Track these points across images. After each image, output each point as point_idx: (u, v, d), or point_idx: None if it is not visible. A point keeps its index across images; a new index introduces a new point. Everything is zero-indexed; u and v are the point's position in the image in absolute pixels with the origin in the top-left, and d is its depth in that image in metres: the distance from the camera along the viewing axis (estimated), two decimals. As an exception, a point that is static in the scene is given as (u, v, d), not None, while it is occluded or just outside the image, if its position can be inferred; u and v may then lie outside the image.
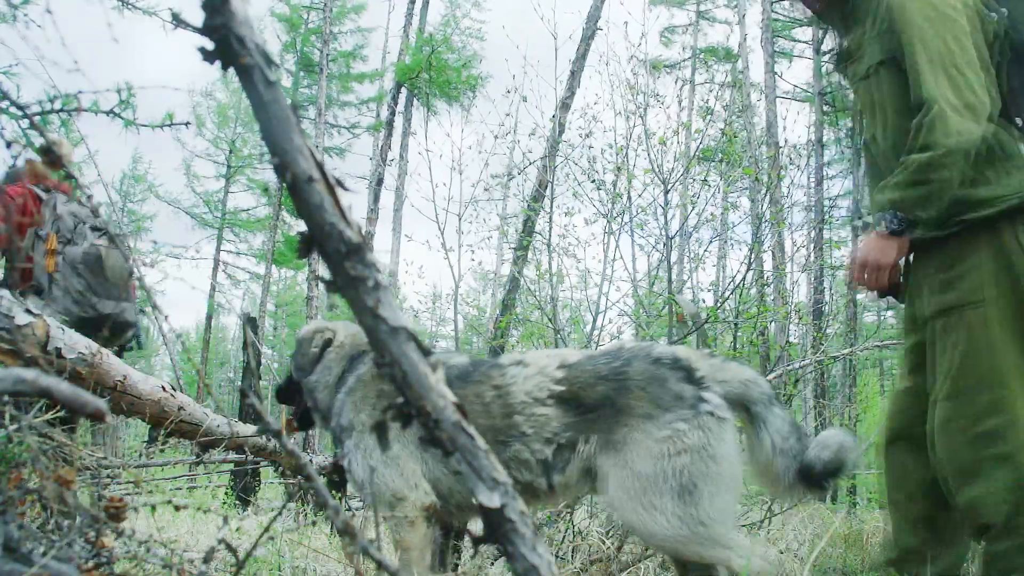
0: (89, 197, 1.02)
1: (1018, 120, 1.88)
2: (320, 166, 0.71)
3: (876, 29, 1.99)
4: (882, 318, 17.89)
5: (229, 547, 1.01)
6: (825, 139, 13.33)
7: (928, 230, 1.88)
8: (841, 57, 2.21)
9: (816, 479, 1.82)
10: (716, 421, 1.87)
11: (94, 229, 3.98)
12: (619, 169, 4.24)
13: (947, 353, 1.85)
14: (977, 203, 1.83)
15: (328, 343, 2.40)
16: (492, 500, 0.73)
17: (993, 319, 1.80)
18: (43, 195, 3.98)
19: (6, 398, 1.19)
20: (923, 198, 1.80)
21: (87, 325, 3.54)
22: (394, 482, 2.04)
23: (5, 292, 2.39)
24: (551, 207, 4.65)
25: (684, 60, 19.44)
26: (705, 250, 5.06)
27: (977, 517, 1.81)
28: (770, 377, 3.87)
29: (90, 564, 1.11)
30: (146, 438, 6.93)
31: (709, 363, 1.94)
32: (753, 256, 3.88)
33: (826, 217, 11.26)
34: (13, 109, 1.22)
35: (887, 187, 1.87)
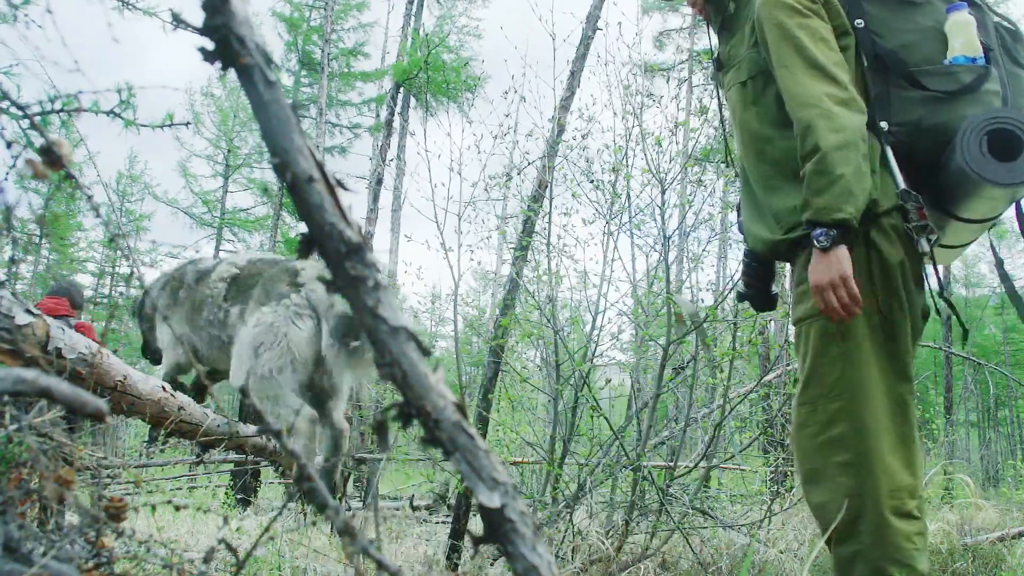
0: (90, 198, 1.02)
1: (883, 124, 1.82)
2: (320, 166, 0.71)
3: (752, 39, 1.94)
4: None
5: (229, 547, 1.01)
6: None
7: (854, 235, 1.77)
8: (717, 65, 2.13)
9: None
10: (293, 313, 3.49)
11: None
12: (615, 170, 4.23)
13: (802, 362, 1.86)
14: None
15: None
16: (492, 500, 0.73)
17: (846, 330, 1.76)
18: None
19: (6, 398, 1.19)
20: (833, 201, 1.70)
21: None
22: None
23: (5, 292, 2.39)
24: (550, 207, 4.64)
25: (680, 63, 19.41)
26: (703, 250, 5.02)
27: (822, 522, 1.80)
28: (770, 377, 3.87)
29: (90, 564, 1.11)
30: (146, 438, 6.93)
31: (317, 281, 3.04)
32: (752, 255, 3.86)
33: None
34: (13, 109, 1.22)
35: (799, 208, 1.80)
